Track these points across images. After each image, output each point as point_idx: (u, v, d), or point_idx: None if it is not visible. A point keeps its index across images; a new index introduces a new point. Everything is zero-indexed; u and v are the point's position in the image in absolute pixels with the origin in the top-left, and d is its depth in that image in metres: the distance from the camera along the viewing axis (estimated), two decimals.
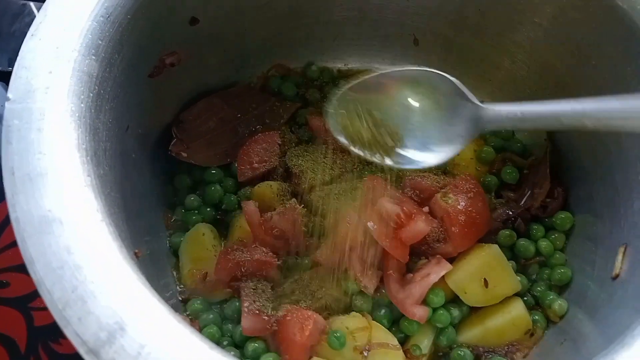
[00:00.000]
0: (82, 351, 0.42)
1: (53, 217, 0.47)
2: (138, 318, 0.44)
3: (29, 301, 0.84)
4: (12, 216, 0.47)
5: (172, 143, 0.80)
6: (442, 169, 0.85)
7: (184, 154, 0.81)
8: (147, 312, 0.44)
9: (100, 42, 0.59)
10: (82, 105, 0.54)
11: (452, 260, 0.75)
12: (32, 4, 1.06)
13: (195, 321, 0.71)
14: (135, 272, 0.47)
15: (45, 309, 0.44)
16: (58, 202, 0.48)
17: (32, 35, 0.57)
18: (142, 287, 0.46)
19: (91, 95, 0.56)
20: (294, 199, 0.78)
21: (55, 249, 0.46)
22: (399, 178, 0.82)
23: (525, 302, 0.75)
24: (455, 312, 0.73)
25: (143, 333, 0.43)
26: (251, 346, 0.69)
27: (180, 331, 0.44)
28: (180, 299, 0.76)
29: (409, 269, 0.75)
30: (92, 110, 0.56)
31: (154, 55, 0.72)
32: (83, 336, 0.43)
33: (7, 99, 0.52)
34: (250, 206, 0.76)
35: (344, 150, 0.84)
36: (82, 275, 0.45)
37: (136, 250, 0.60)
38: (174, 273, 0.78)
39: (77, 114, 0.53)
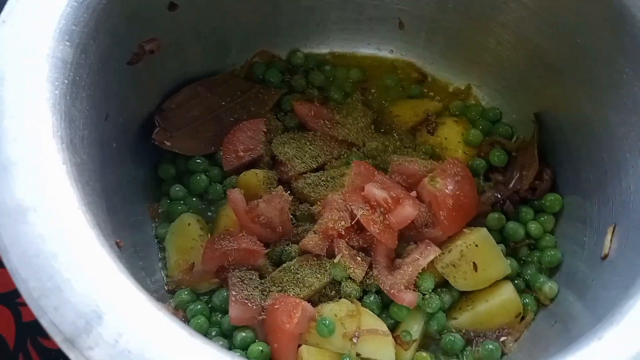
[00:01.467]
0: (58, 340, 0.41)
1: (27, 205, 0.46)
2: (116, 306, 0.43)
3: (17, 297, 0.83)
4: None
5: (154, 132, 0.79)
6: (430, 153, 0.84)
7: (168, 143, 0.80)
8: (124, 300, 0.43)
9: (74, 27, 0.57)
10: (57, 92, 0.53)
11: (441, 244, 0.74)
12: None
13: (179, 310, 0.70)
14: (114, 260, 0.46)
15: None
16: (32, 190, 0.47)
17: (3, 22, 0.55)
18: (120, 274, 0.45)
19: (66, 82, 0.55)
20: (280, 187, 0.77)
21: (30, 238, 0.45)
22: (386, 163, 0.82)
23: (515, 285, 0.75)
24: (445, 296, 0.73)
25: (121, 321, 0.42)
26: (239, 336, 0.68)
27: (159, 318, 0.43)
28: (168, 289, 0.75)
29: (398, 254, 0.74)
30: (68, 98, 0.55)
31: (132, 42, 0.70)
32: (60, 325, 0.42)
33: None
34: (236, 194, 0.74)
35: (331, 137, 0.84)
36: (58, 264, 0.44)
37: (117, 240, 0.59)
38: (161, 264, 0.77)
39: (51, 101, 0.52)
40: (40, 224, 0.45)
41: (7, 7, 0.56)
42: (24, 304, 0.81)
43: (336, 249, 0.72)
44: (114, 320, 0.42)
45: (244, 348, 0.68)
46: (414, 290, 0.71)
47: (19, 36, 0.54)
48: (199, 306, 0.72)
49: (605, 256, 0.66)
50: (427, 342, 0.73)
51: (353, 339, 0.67)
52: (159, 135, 0.79)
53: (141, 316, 0.43)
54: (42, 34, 0.55)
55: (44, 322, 0.42)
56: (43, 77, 0.53)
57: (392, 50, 0.94)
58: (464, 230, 0.74)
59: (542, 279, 0.76)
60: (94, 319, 0.42)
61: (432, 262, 0.72)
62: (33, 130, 0.50)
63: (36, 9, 0.56)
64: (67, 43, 0.56)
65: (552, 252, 0.77)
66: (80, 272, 0.44)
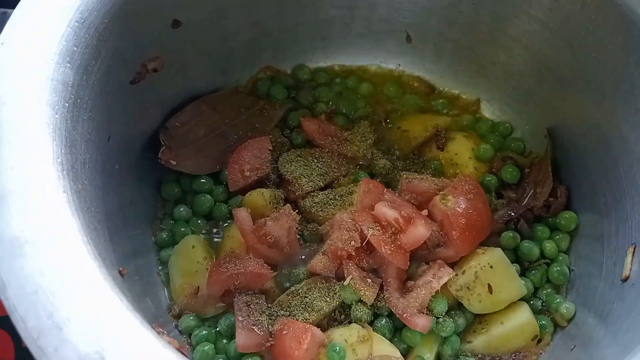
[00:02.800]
0: None
1: (25, 238, 0.44)
2: (119, 345, 0.41)
3: None
4: None
5: (160, 151, 0.77)
6: (439, 170, 0.82)
7: (174, 162, 0.78)
8: (129, 338, 0.41)
9: (75, 48, 0.55)
10: (57, 116, 0.51)
11: (453, 265, 0.72)
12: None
13: (185, 342, 0.68)
14: (117, 294, 0.44)
15: None
16: (30, 221, 0.45)
17: (1, 44, 0.53)
18: (124, 310, 0.43)
19: (67, 105, 0.53)
20: (288, 205, 0.75)
21: (28, 272, 0.43)
22: (395, 181, 0.80)
23: (531, 306, 0.72)
24: (459, 319, 0.70)
25: None
26: None
27: (166, 358, 0.41)
28: (172, 314, 0.72)
29: (409, 275, 0.72)
30: (68, 121, 0.53)
31: (135, 61, 0.68)
32: None
33: None
34: (243, 213, 0.72)
35: (339, 154, 0.82)
36: (57, 300, 0.42)
37: (120, 269, 0.57)
38: (165, 288, 0.75)
39: (51, 126, 0.50)
40: (39, 257, 0.43)
41: (6, 29, 0.54)
42: None
43: (346, 271, 0.70)
44: None
45: None
46: (427, 313, 0.69)
47: (18, 59, 0.53)
48: (204, 332, 0.70)
49: (626, 278, 0.64)
50: None
51: None
52: (165, 154, 0.77)
53: (146, 356, 0.40)
54: (42, 56, 0.53)
55: None
56: (43, 100, 0.51)
57: (399, 64, 0.92)
58: (478, 250, 0.72)
59: (558, 300, 0.73)
60: (96, 359, 0.39)
61: (445, 284, 0.70)
62: (32, 157, 0.48)
63: (36, 30, 0.54)
64: (68, 65, 0.54)
65: (559, 268, 0.75)
66: (82, 309, 0.42)
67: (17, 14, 0.55)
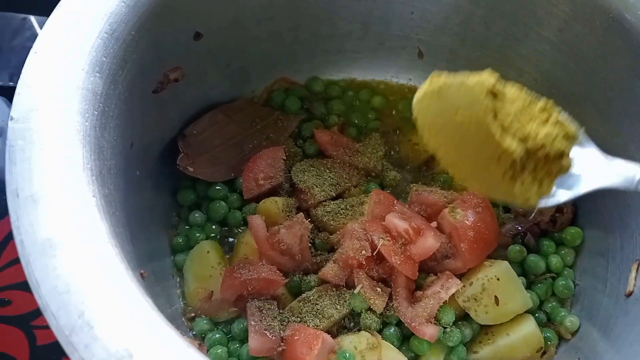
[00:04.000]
0: None
1: (58, 239, 0.46)
2: (147, 344, 0.42)
3: (31, 319, 0.83)
4: (17, 239, 0.46)
5: (179, 157, 0.79)
6: (449, 182, 0.84)
7: (191, 169, 0.80)
8: (155, 337, 0.43)
9: (104, 59, 0.58)
10: (87, 123, 0.53)
11: (461, 276, 0.73)
12: (32, 18, 1.05)
13: (203, 345, 0.69)
14: (143, 295, 0.46)
15: (47, 327, 0.43)
16: (63, 223, 0.47)
17: (35, 52, 0.56)
18: (150, 310, 0.45)
19: (96, 113, 0.55)
20: (300, 214, 0.77)
21: (60, 273, 0.45)
22: (405, 192, 0.82)
23: (536, 319, 0.74)
24: (466, 330, 0.72)
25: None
26: None
27: (191, 357, 0.43)
28: (186, 318, 0.74)
29: (418, 286, 0.74)
30: (97, 129, 0.55)
31: (158, 71, 0.71)
32: None
33: (11, 118, 0.51)
34: (257, 220, 0.74)
35: (350, 164, 0.84)
36: (88, 300, 0.44)
37: (142, 272, 0.59)
38: (179, 292, 0.77)
39: (81, 133, 0.52)
40: (70, 258, 0.45)
41: (39, 38, 0.56)
42: (39, 327, 0.82)
43: (356, 279, 0.71)
44: (144, 359, 0.42)
45: None
46: (434, 323, 0.70)
47: (50, 68, 0.55)
48: (218, 335, 0.71)
49: (630, 293, 0.65)
50: None
51: None
52: (183, 161, 0.79)
53: (172, 355, 0.42)
54: (73, 65, 0.55)
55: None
56: (74, 108, 0.53)
57: (410, 79, 0.94)
58: (485, 262, 0.74)
59: (563, 313, 0.75)
60: (125, 357, 0.41)
61: (452, 294, 0.71)
62: (64, 162, 0.50)
63: (67, 40, 0.57)
64: (98, 74, 0.56)
65: (564, 282, 0.76)
66: (111, 309, 0.44)
67: (50, 24, 0.58)
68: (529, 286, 0.78)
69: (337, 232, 0.77)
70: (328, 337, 0.68)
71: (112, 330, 0.42)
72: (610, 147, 0.74)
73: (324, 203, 0.80)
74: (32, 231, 0.46)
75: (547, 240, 0.79)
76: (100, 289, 0.44)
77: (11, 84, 0.96)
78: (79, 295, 0.44)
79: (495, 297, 0.71)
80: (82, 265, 0.45)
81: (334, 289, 0.73)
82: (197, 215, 0.80)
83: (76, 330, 0.42)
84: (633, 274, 0.65)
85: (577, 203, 0.81)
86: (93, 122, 0.54)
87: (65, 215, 0.47)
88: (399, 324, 0.72)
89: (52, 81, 0.54)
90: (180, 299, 0.76)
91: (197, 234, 0.79)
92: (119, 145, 0.61)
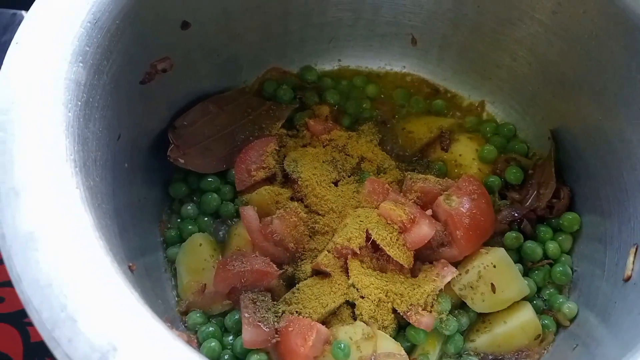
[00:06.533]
0: None
1: (41, 232, 0.45)
2: (131, 337, 0.42)
3: (24, 316, 0.82)
4: None
5: (169, 149, 0.78)
6: (444, 170, 0.83)
7: (182, 160, 0.79)
8: (141, 331, 0.42)
9: (88, 48, 0.57)
10: (70, 114, 0.52)
11: (457, 264, 0.72)
12: (23, 13, 1.04)
13: (193, 338, 0.69)
14: (129, 288, 0.45)
15: None
16: (45, 216, 0.46)
17: (16, 43, 0.54)
18: (136, 303, 0.44)
19: (79, 104, 0.54)
20: (294, 203, 0.76)
21: (43, 266, 0.44)
22: (400, 181, 0.81)
23: (534, 306, 0.73)
24: (463, 318, 0.71)
25: (137, 353, 0.41)
26: (253, 359, 0.67)
27: (177, 350, 0.42)
28: (179, 311, 0.73)
29: (414, 274, 0.73)
30: (81, 120, 0.54)
31: (145, 61, 0.70)
32: (74, 358, 0.40)
33: None
34: (249, 211, 0.73)
35: (344, 153, 0.83)
36: (71, 293, 0.43)
37: (130, 264, 0.58)
38: (172, 285, 0.76)
39: (64, 124, 0.51)
40: (53, 252, 0.44)
41: (20, 29, 0.55)
42: (32, 324, 0.82)
43: (350, 269, 0.71)
44: (129, 353, 0.41)
45: None
46: (430, 312, 0.69)
47: (32, 58, 0.54)
48: (211, 328, 0.70)
49: (628, 278, 0.64)
50: None
51: None
52: (174, 153, 0.78)
53: (157, 348, 0.42)
54: (55, 55, 0.54)
55: (58, 355, 0.41)
56: (56, 99, 0.52)
57: (404, 66, 0.93)
58: (481, 250, 0.73)
59: (561, 300, 0.74)
60: (110, 351, 0.40)
61: (448, 283, 0.70)
62: (46, 153, 0.49)
63: (50, 30, 0.56)
64: (81, 64, 0.55)
65: (561, 268, 0.75)
66: (95, 302, 0.43)
67: (31, 15, 0.57)
68: (526, 273, 0.77)
69: (332, 221, 0.76)
70: (323, 327, 0.67)
71: (96, 324, 0.42)
72: (606, 131, 0.73)
73: (318, 192, 0.79)
74: (14, 224, 0.45)
75: (544, 227, 0.78)
76: (84, 282, 0.43)
77: None
78: (62, 289, 0.43)
79: (492, 284, 0.70)
80: (65, 259, 0.44)
81: (329, 279, 0.72)
82: (189, 207, 0.80)
83: (59, 325, 0.41)
84: (631, 259, 0.64)
85: (573, 189, 0.80)
86: (77, 113, 0.53)
87: (48, 208, 0.46)
88: (395, 313, 0.71)
89: (34, 72, 0.53)
90: (174, 293, 0.75)
91: (190, 227, 0.78)
92: (105, 137, 0.60)
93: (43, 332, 0.41)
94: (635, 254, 0.65)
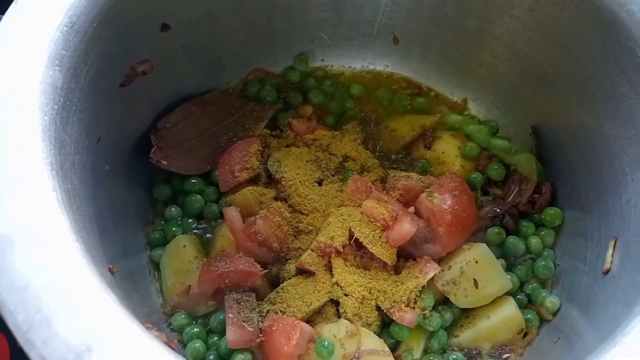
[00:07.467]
0: None
1: (16, 235, 0.45)
2: (106, 338, 0.42)
3: None
4: None
5: (152, 151, 0.78)
6: (426, 168, 0.84)
7: (164, 162, 0.79)
8: (116, 331, 0.42)
9: (64, 52, 0.57)
10: (46, 117, 0.52)
11: (440, 260, 0.73)
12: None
13: (173, 338, 0.69)
14: (105, 290, 0.45)
15: None
16: (21, 219, 0.46)
17: None
18: (112, 304, 0.44)
19: (56, 107, 0.54)
20: (278, 203, 0.76)
21: (18, 269, 0.44)
22: (383, 179, 0.81)
23: (517, 300, 0.73)
24: (446, 314, 0.72)
25: (112, 354, 0.41)
26: (238, 358, 0.67)
27: (153, 350, 0.42)
28: (164, 312, 0.74)
29: (397, 271, 0.73)
30: (58, 123, 0.54)
31: (125, 63, 0.70)
32: (49, 359, 0.40)
33: None
34: (232, 212, 0.73)
35: (328, 152, 0.83)
36: (47, 295, 0.43)
37: (111, 266, 0.58)
38: (157, 287, 0.76)
39: (40, 127, 0.51)
40: (29, 254, 0.44)
41: None
42: None
43: (334, 267, 0.71)
44: (104, 353, 0.41)
45: None
46: (414, 308, 0.70)
47: (7, 61, 0.54)
48: (196, 329, 0.71)
49: (607, 271, 0.65)
50: None
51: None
52: (156, 154, 0.78)
53: (133, 348, 0.42)
54: (31, 59, 0.54)
55: (34, 356, 0.41)
56: (32, 103, 0.52)
57: (387, 65, 0.94)
58: (464, 246, 0.73)
59: (543, 294, 0.74)
60: (84, 352, 0.41)
61: (431, 279, 0.71)
62: (21, 157, 0.49)
63: (25, 34, 0.56)
64: (57, 68, 0.55)
65: (543, 263, 0.76)
66: (70, 304, 0.43)
67: (6, 19, 0.57)
68: (509, 268, 0.77)
69: (315, 220, 0.76)
70: (306, 326, 0.67)
71: (71, 325, 0.42)
72: (586, 126, 0.74)
73: (302, 192, 0.80)
74: None
75: (526, 222, 0.79)
76: (59, 285, 0.44)
77: None
78: (38, 291, 0.43)
79: (475, 280, 0.71)
80: (41, 261, 0.44)
81: (313, 278, 0.72)
82: (173, 209, 0.80)
83: (34, 327, 0.41)
84: (610, 252, 0.65)
85: (555, 184, 0.81)
86: (53, 116, 0.53)
87: (23, 211, 0.46)
88: (378, 310, 0.71)
89: (9, 75, 0.53)
90: (158, 295, 0.75)
91: (174, 229, 0.78)
92: (83, 140, 0.60)
93: (18, 335, 0.41)
94: (614, 247, 0.65)
